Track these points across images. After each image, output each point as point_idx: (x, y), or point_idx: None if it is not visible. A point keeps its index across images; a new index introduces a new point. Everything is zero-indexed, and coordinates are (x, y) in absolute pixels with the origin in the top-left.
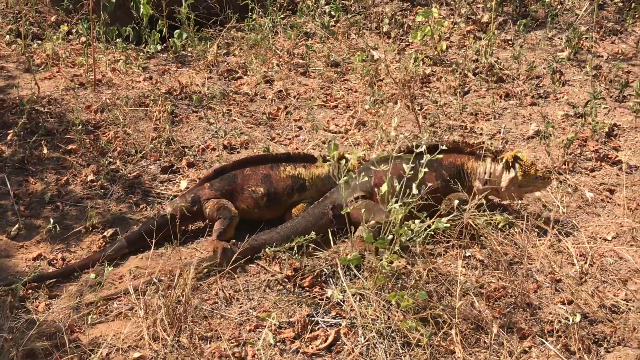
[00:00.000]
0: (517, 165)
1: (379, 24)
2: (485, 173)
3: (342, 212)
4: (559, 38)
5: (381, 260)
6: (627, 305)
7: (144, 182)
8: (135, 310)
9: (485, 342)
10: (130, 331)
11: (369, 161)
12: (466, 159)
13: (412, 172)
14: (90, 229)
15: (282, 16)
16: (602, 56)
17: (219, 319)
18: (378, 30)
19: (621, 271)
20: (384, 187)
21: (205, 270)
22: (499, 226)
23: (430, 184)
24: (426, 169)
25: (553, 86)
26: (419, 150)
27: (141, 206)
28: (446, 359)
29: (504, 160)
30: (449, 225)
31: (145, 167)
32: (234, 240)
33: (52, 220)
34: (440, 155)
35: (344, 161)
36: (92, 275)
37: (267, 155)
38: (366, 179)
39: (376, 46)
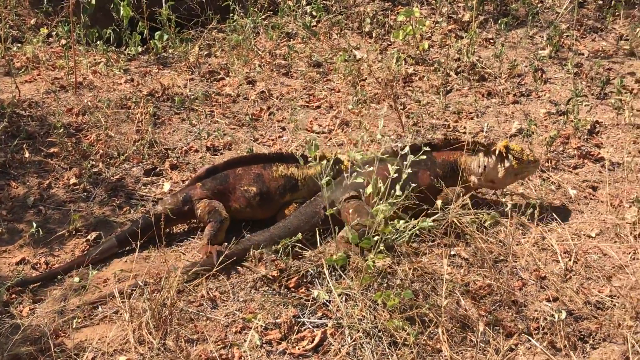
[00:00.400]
0: (510, 155)
1: (361, 24)
2: (479, 167)
3: (327, 213)
4: (540, 36)
5: (366, 260)
6: (612, 301)
7: (127, 185)
8: (121, 314)
9: (471, 341)
10: (116, 335)
11: (362, 161)
12: (459, 155)
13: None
14: (74, 232)
15: (263, 17)
16: (583, 54)
17: (205, 321)
18: (360, 30)
19: (605, 268)
20: (369, 189)
21: (198, 274)
22: (486, 224)
23: (414, 185)
24: (409, 170)
25: (535, 84)
26: (403, 152)
27: (124, 209)
28: (433, 357)
29: (497, 152)
30: (433, 224)
31: (128, 170)
32: (226, 244)
33: (34, 224)
34: (424, 157)
35: (329, 162)
36: (76, 279)
37: (260, 154)
38: (360, 179)
39: (358, 46)
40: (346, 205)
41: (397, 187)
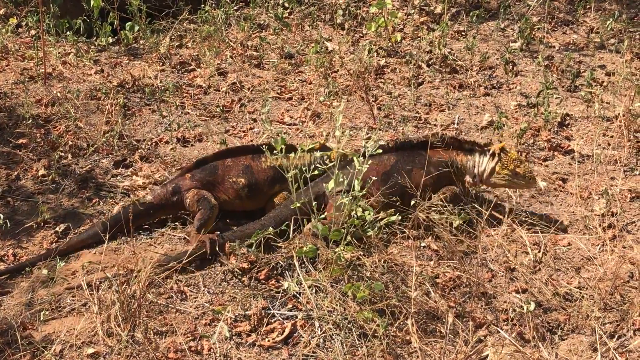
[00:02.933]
0: (501, 155)
1: (333, 16)
2: (475, 167)
3: (293, 206)
4: (511, 29)
5: (336, 252)
6: (581, 293)
7: (97, 177)
8: (89, 306)
9: (440, 332)
10: (84, 327)
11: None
12: (455, 154)
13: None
14: (42, 224)
15: (235, 8)
16: (554, 47)
17: (174, 314)
18: (332, 21)
19: (574, 259)
20: (330, 184)
21: (191, 262)
22: (455, 224)
23: (374, 178)
24: (367, 165)
25: (506, 76)
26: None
27: (94, 201)
28: (402, 349)
29: (490, 151)
30: (400, 217)
31: (97, 161)
32: (218, 233)
33: (2, 216)
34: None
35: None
36: (44, 271)
37: (249, 146)
38: (351, 172)
39: (330, 38)
40: (331, 199)
41: (358, 182)
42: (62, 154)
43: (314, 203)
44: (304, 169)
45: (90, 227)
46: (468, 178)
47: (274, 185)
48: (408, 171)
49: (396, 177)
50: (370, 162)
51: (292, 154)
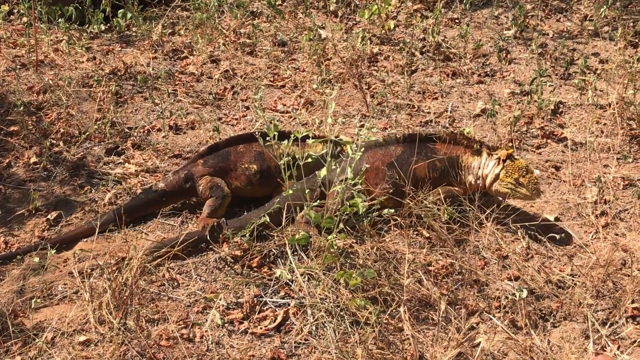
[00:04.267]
0: (506, 162)
1: (326, 3)
2: (479, 168)
3: (285, 193)
4: (505, 16)
5: (328, 239)
6: (573, 280)
7: (88, 164)
8: (81, 294)
9: (433, 319)
10: (76, 315)
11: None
12: (462, 152)
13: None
14: (34, 212)
15: None
16: (547, 34)
17: (167, 301)
18: (325, 9)
19: (567, 247)
20: (322, 172)
21: (190, 247)
22: (443, 218)
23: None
24: (360, 153)
25: (499, 64)
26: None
27: (85, 188)
28: (395, 336)
29: (496, 156)
30: (393, 210)
31: (89, 149)
32: (223, 219)
33: None
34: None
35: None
36: (36, 259)
37: (262, 132)
38: (359, 162)
39: (323, 25)
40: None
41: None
42: (54, 142)
43: (318, 190)
44: (311, 157)
45: (104, 214)
46: (471, 178)
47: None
48: (412, 162)
49: (401, 168)
50: (378, 150)
51: (308, 142)
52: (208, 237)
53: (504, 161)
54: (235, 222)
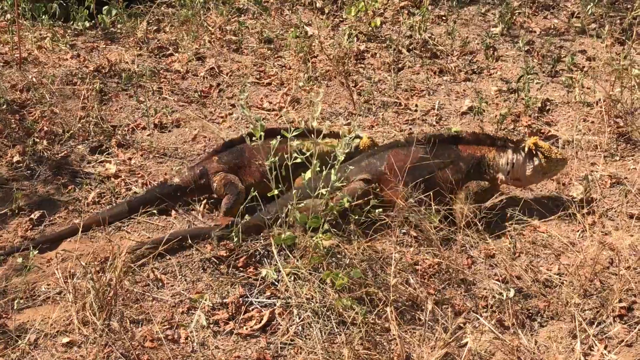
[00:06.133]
0: (539, 153)
1: (313, 0)
2: (508, 164)
3: (273, 194)
4: (492, 13)
5: (314, 239)
6: (560, 279)
7: (72, 163)
8: (64, 295)
9: (420, 319)
10: (59, 316)
11: (386, 145)
12: (487, 150)
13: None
14: (17, 211)
15: None
16: (534, 31)
17: (151, 302)
18: (312, 6)
19: (554, 245)
20: (308, 173)
21: (215, 241)
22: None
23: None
24: (344, 150)
25: (486, 62)
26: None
27: (69, 187)
28: (381, 336)
29: (526, 149)
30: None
31: (73, 148)
32: (247, 217)
33: None
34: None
35: (351, 140)
36: (19, 260)
37: (276, 128)
38: (377, 162)
39: (310, 22)
40: (351, 187)
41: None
42: (37, 140)
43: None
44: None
45: (116, 206)
46: (501, 175)
47: (299, 169)
48: (438, 164)
49: (425, 170)
50: (400, 151)
51: (322, 140)
52: (215, 235)
53: (535, 151)
54: (252, 218)
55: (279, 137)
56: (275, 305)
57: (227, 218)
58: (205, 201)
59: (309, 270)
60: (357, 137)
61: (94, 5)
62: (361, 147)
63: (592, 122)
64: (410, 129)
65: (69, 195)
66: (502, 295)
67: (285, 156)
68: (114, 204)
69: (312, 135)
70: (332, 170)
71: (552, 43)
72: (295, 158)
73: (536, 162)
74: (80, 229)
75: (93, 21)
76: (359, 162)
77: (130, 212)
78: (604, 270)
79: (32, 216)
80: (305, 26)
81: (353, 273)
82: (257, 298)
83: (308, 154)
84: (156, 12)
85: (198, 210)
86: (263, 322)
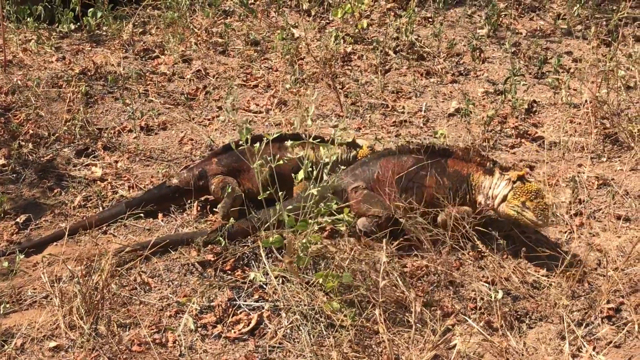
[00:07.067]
0: (516, 184)
1: (299, 2)
2: (490, 188)
3: (262, 197)
4: (478, 15)
5: (303, 242)
6: (548, 281)
7: (58, 166)
8: (51, 299)
9: (409, 321)
10: (46, 320)
11: (378, 153)
12: (474, 170)
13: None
14: (2, 214)
15: None
16: (520, 33)
17: (138, 305)
18: (298, 8)
19: (542, 247)
20: (300, 175)
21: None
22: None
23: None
24: (335, 152)
25: (473, 63)
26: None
27: (55, 191)
28: (370, 339)
29: (507, 177)
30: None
31: (58, 151)
32: (233, 221)
33: None
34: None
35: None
36: (5, 264)
37: (278, 135)
38: (372, 169)
39: (296, 24)
40: (354, 194)
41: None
42: (23, 143)
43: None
44: (324, 162)
45: (114, 206)
46: (481, 198)
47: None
48: (422, 177)
49: (410, 181)
50: (391, 160)
51: (322, 146)
52: (205, 240)
53: (513, 182)
54: (243, 222)
55: (265, 140)
56: (263, 308)
57: (224, 221)
58: (196, 203)
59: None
60: (357, 146)
61: (79, 7)
62: (359, 157)
63: (579, 123)
64: (406, 139)
65: (54, 198)
66: (491, 297)
67: (284, 160)
68: (112, 204)
69: (307, 138)
70: (325, 171)
71: (539, 44)
72: (295, 168)
73: (505, 191)
74: (80, 230)
75: (78, 23)
76: (352, 170)
77: (127, 211)
78: (592, 271)
79: (17, 220)
80: (291, 28)
81: (344, 277)
82: (245, 301)
83: (307, 162)
84: (142, 14)
85: (189, 213)
86: (251, 325)
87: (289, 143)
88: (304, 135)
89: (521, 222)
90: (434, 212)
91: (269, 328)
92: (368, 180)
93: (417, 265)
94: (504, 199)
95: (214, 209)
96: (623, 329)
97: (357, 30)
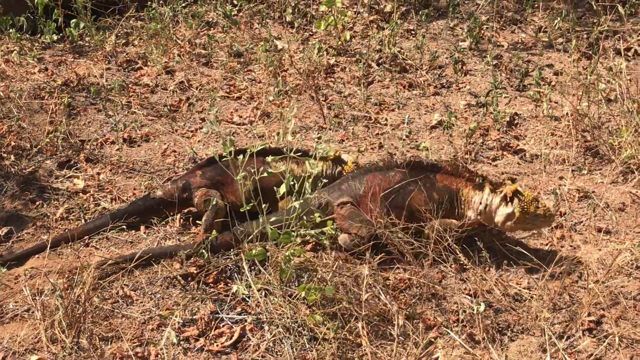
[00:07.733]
0: (515, 201)
1: (282, 14)
2: (481, 204)
3: (245, 209)
4: (460, 28)
5: (286, 254)
6: (530, 293)
7: (40, 178)
8: (32, 312)
9: (391, 334)
10: (27, 333)
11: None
12: (463, 185)
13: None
14: None
15: (183, 5)
16: (502, 46)
17: (120, 319)
18: (281, 19)
19: (523, 260)
20: (282, 189)
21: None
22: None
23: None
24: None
25: (455, 76)
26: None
27: (37, 203)
28: (353, 352)
29: (502, 194)
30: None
31: (41, 163)
32: (216, 234)
33: None
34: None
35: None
36: None
37: (263, 148)
38: (357, 185)
39: (280, 36)
40: (339, 210)
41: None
42: (4, 155)
43: (316, 212)
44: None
45: (99, 218)
46: (470, 213)
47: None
48: (410, 192)
49: (398, 196)
50: (377, 175)
51: (306, 161)
52: (187, 253)
53: (511, 199)
54: (227, 235)
55: (249, 152)
56: (246, 321)
57: (207, 234)
58: (179, 216)
59: (281, 285)
60: (342, 162)
61: (62, 18)
62: (345, 173)
63: (560, 136)
64: (389, 151)
65: (37, 210)
66: (473, 310)
67: (268, 172)
68: (96, 216)
69: (288, 152)
70: (307, 184)
71: (520, 57)
72: (279, 183)
73: (509, 209)
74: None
75: (61, 34)
76: (339, 185)
77: (113, 222)
78: (573, 284)
79: None
80: (275, 40)
81: (327, 290)
82: (228, 314)
83: (288, 175)
84: (125, 26)
85: (172, 225)
86: (234, 338)
87: (269, 159)
88: (286, 150)
89: (531, 230)
90: (417, 225)
91: (252, 341)
92: (355, 195)
93: (400, 278)
94: (510, 216)
95: (197, 222)
96: (604, 342)
97: (340, 43)
